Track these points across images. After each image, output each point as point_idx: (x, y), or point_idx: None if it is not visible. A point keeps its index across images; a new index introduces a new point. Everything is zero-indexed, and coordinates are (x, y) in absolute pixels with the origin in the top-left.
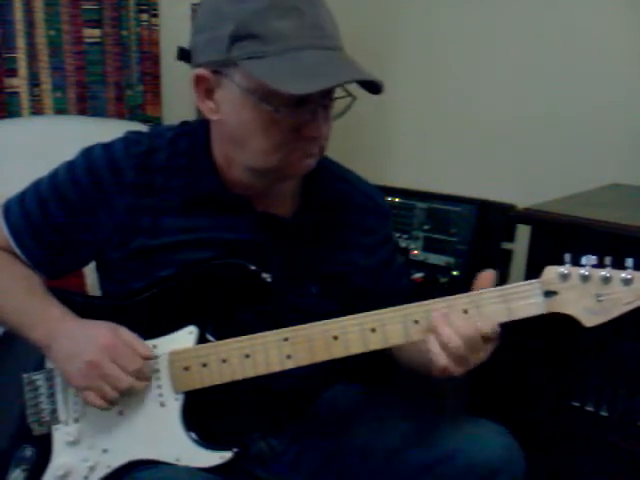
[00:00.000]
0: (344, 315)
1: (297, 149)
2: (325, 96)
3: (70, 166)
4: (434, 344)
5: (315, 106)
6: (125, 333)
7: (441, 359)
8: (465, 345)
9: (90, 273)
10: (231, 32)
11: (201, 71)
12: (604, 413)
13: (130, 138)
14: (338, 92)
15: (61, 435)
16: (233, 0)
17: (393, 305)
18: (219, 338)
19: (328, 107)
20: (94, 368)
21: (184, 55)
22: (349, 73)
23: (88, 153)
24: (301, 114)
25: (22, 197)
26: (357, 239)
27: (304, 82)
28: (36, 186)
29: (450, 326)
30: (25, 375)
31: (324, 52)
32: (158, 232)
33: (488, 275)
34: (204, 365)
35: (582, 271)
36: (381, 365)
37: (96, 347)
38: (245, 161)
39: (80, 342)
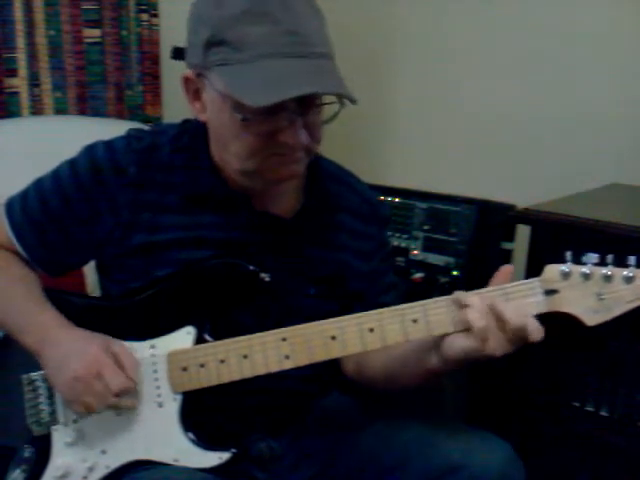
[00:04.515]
0: (342, 315)
1: (276, 155)
2: (302, 104)
3: (72, 163)
4: (470, 312)
5: (290, 114)
6: (116, 348)
7: (482, 324)
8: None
9: (90, 273)
10: (207, 37)
11: (187, 73)
12: (604, 413)
13: (132, 135)
14: (329, 98)
15: (60, 436)
16: (212, 5)
17: None
18: (217, 338)
19: (309, 114)
20: (80, 383)
21: (178, 54)
22: (313, 84)
23: (90, 150)
24: (276, 121)
25: (24, 195)
26: (353, 243)
27: (266, 93)
28: (38, 184)
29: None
30: (25, 376)
31: (295, 60)
32: (157, 229)
33: (507, 269)
34: (202, 365)
35: (583, 269)
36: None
37: (84, 362)
38: (229, 162)
39: (69, 355)
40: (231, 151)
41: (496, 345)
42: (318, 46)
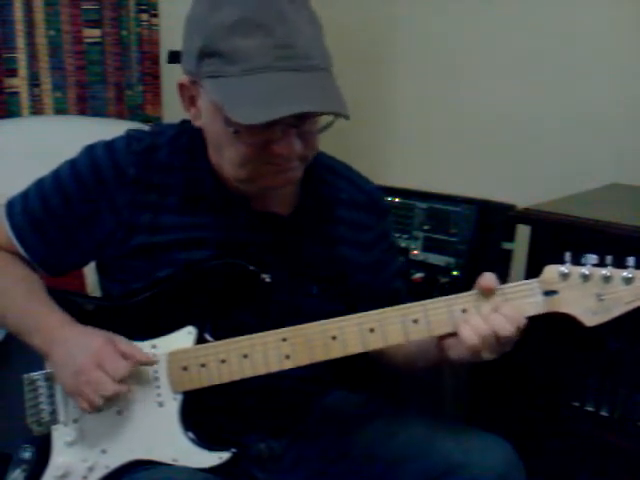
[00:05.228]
0: (344, 315)
1: (270, 163)
2: (297, 115)
3: (73, 164)
4: (466, 330)
5: (284, 125)
6: (121, 341)
7: (476, 343)
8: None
9: (90, 273)
10: (200, 47)
11: (183, 79)
12: (604, 413)
13: (132, 135)
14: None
15: (60, 435)
16: (207, 9)
17: (384, 306)
18: (218, 338)
19: (304, 124)
20: (81, 374)
21: (173, 58)
22: (305, 102)
23: (90, 150)
24: (270, 132)
25: (25, 195)
26: (353, 236)
27: (257, 110)
28: (39, 184)
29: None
30: (25, 375)
31: (289, 74)
32: (157, 229)
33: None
34: (202, 365)
35: (582, 270)
36: (376, 371)
37: (87, 354)
38: (225, 168)
39: (74, 350)
40: (225, 157)
41: (491, 354)
42: (313, 58)
